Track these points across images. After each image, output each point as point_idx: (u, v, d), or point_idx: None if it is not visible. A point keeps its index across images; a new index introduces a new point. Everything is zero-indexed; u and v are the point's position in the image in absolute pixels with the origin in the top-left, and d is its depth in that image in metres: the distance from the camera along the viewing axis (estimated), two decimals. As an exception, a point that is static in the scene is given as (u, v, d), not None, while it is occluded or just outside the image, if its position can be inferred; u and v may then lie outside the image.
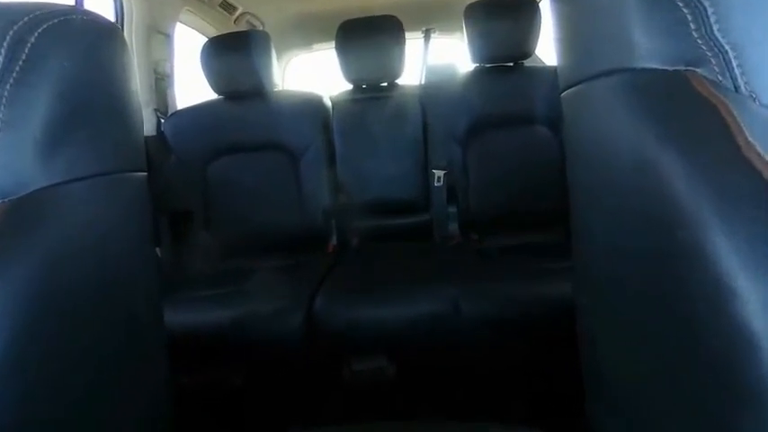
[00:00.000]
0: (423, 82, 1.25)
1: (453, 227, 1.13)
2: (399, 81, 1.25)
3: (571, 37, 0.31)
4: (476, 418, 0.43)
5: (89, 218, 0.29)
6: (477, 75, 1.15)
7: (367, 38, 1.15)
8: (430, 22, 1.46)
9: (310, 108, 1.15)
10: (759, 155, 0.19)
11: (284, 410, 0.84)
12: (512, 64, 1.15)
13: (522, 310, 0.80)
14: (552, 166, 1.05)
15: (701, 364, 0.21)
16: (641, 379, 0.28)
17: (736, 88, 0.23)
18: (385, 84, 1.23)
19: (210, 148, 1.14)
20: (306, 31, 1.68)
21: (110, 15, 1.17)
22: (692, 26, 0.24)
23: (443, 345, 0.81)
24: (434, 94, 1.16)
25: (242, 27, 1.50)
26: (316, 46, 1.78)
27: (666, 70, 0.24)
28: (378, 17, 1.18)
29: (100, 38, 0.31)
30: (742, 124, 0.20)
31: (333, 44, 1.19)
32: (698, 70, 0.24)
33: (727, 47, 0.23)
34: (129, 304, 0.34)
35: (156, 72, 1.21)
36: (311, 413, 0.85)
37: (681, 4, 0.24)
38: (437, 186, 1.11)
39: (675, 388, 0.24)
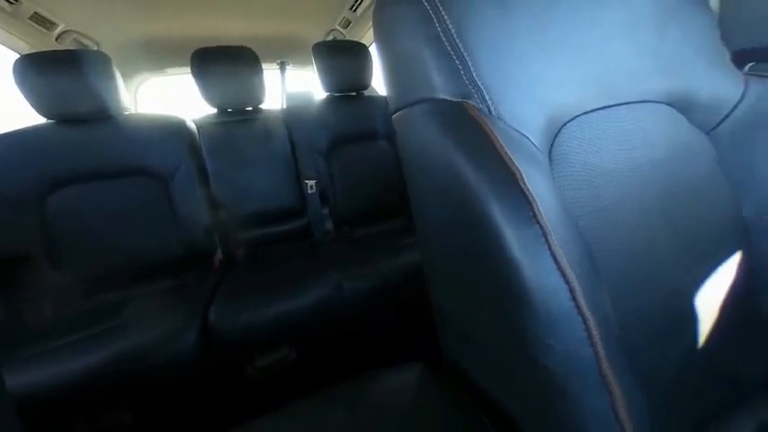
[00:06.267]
0: (284, 107, 1.29)
1: (329, 225, 1.21)
2: (264, 106, 1.26)
3: (393, 75, 0.36)
4: (370, 369, 0.44)
5: None
6: (330, 101, 1.26)
7: (225, 66, 1.12)
8: (284, 56, 1.48)
9: (173, 131, 1.05)
10: (507, 154, 0.27)
11: (195, 425, 0.76)
12: (354, 93, 1.29)
13: (390, 278, 0.90)
14: (394, 170, 1.24)
15: (498, 287, 0.28)
16: (467, 308, 0.34)
17: (490, 112, 0.30)
18: (250, 108, 1.23)
19: (48, 179, 0.92)
20: (156, 55, 1.47)
21: None
22: (462, 72, 0.30)
23: (333, 320, 0.84)
24: (296, 117, 1.21)
25: (69, 46, 1.22)
26: (169, 70, 1.57)
27: (453, 100, 0.30)
28: (233, 47, 1.14)
29: None
30: (497, 135, 0.28)
31: (188, 69, 1.11)
32: (470, 101, 0.30)
33: (482, 87, 0.31)
34: None
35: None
36: (224, 417, 0.80)
37: (454, 57, 0.31)
38: (311, 194, 1.17)
39: (486, 307, 0.30)
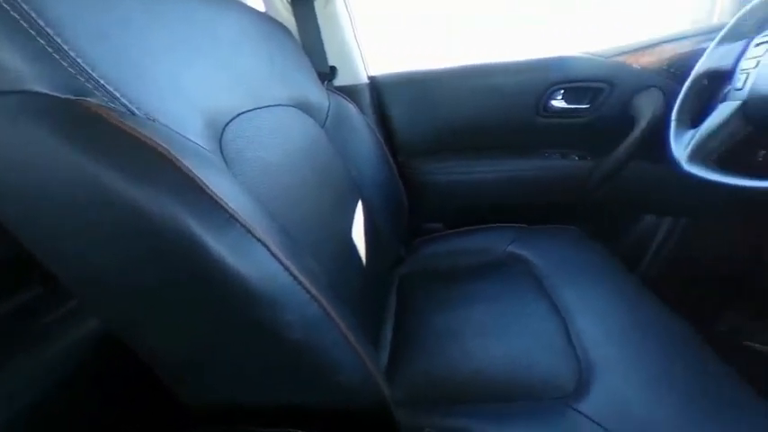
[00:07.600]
0: None
1: None
2: None
3: None
4: None
5: None
6: None
7: None
8: None
9: None
10: (178, 159, 0.24)
11: None
12: None
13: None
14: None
15: (223, 300, 0.26)
16: (199, 342, 0.31)
17: (132, 112, 0.27)
18: None
19: None
20: None
21: None
22: (69, 68, 0.24)
23: None
24: None
25: None
26: None
27: (59, 97, 0.24)
28: None
29: None
30: (156, 140, 0.24)
31: None
32: (89, 99, 0.25)
33: (104, 83, 0.26)
34: None
35: None
36: None
37: (43, 43, 0.23)
38: None
39: (219, 326, 0.28)
